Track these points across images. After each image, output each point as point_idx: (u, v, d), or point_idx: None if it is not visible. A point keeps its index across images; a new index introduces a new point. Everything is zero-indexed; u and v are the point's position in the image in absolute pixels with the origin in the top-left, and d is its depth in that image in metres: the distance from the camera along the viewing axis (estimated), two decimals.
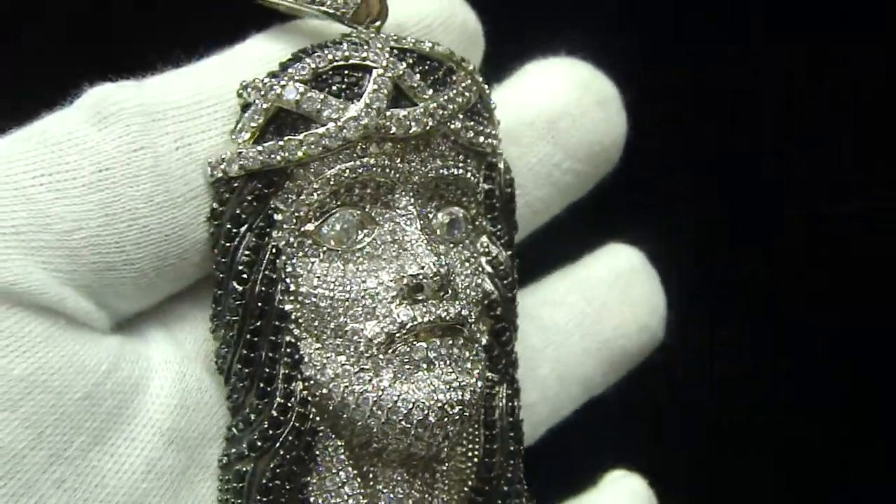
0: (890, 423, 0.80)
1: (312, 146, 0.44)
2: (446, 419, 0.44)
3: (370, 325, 0.44)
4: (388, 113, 0.44)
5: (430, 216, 0.46)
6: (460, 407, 0.44)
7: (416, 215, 0.45)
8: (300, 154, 0.44)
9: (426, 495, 0.46)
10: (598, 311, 0.56)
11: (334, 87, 0.45)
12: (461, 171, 0.47)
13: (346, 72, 0.45)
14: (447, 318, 0.44)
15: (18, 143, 0.44)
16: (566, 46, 0.56)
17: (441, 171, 0.46)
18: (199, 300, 0.47)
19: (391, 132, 0.44)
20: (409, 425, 0.44)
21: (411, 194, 0.45)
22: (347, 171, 0.44)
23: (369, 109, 0.44)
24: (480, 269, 0.48)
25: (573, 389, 0.56)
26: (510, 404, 0.48)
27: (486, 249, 0.48)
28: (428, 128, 0.45)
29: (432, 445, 0.44)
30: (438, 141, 0.46)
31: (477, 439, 0.47)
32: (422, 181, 0.46)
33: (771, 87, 0.80)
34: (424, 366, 0.44)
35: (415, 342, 0.44)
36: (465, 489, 0.47)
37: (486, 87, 0.49)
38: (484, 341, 0.48)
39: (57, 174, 0.43)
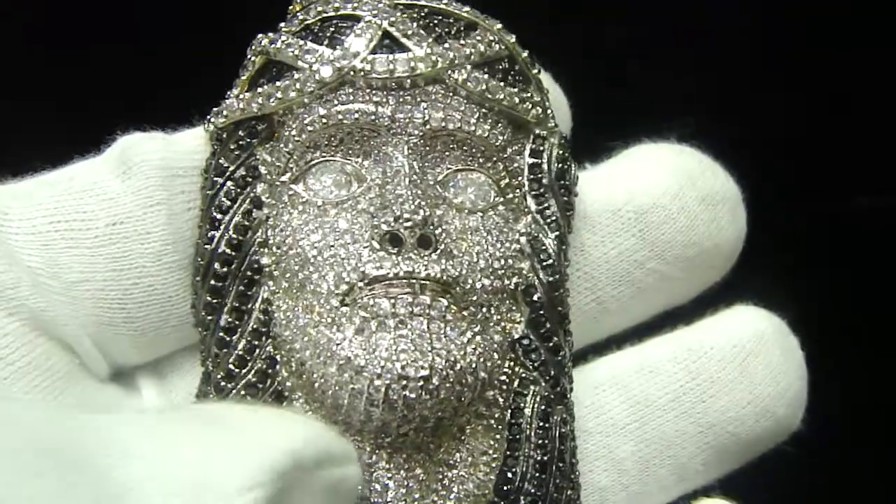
0: None
1: (287, 90, 0.43)
2: (406, 386, 0.40)
3: (331, 274, 0.42)
4: (369, 57, 0.43)
5: (432, 173, 0.44)
6: (425, 373, 0.40)
7: (408, 169, 0.42)
8: (276, 99, 0.44)
9: (432, 497, 0.42)
10: (704, 387, 0.48)
11: (320, 36, 0.44)
12: (473, 128, 0.44)
13: (335, 22, 0.45)
14: (426, 274, 0.41)
15: (45, 186, 0.44)
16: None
17: (444, 123, 0.43)
18: (196, 350, 0.46)
19: (371, 75, 0.43)
20: (360, 386, 0.40)
21: (406, 147, 0.43)
22: (327, 117, 0.43)
23: (346, 52, 0.43)
24: (517, 246, 0.44)
25: (662, 475, 0.48)
26: (543, 409, 0.43)
27: (528, 230, 0.45)
28: (417, 73, 0.43)
29: (393, 416, 0.40)
30: (441, 93, 0.44)
31: (498, 445, 0.43)
32: (420, 133, 0.43)
33: None
34: (391, 324, 0.40)
35: (382, 297, 0.41)
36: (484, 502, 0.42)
37: (522, 51, 0.46)
38: (518, 331, 0.44)
39: (73, 222, 0.42)
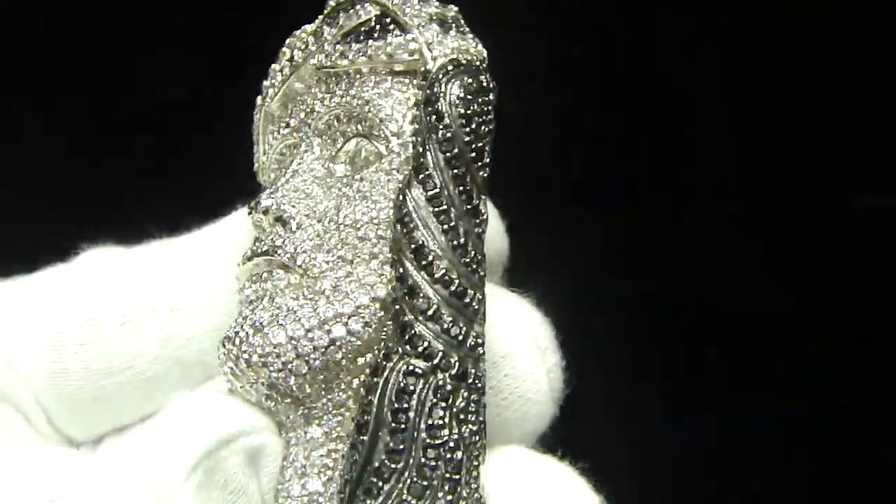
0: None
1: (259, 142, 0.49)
2: (237, 354, 0.41)
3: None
4: (275, 84, 0.47)
5: (331, 155, 0.45)
6: (236, 350, 0.41)
7: (295, 165, 0.45)
8: (256, 155, 0.48)
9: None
10: None
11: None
12: (351, 98, 0.44)
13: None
14: (263, 250, 0.43)
15: (9, 288, 0.47)
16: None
17: (331, 109, 0.45)
18: None
19: (275, 98, 0.47)
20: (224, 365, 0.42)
21: (312, 144, 0.45)
22: (273, 148, 0.47)
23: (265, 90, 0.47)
24: (386, 203, 0.42)
25: None
26: (399, 376, 0.40)
27: (400, 185, 0.42)
28: (286, 79, 0.46)
29: (241, 392, 0.42)
30: (328, 82, 0.45)
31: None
32: (320, 126, 0.45)
33: None
34: (245, 303, 0.43)
35: (252, 283, 0.43)
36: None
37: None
38: (385, 290, 0.41)
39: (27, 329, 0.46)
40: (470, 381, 0.40)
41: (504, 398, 0.43)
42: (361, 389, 0.40)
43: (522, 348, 0.43)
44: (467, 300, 0.41)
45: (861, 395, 0.80)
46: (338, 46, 0.44)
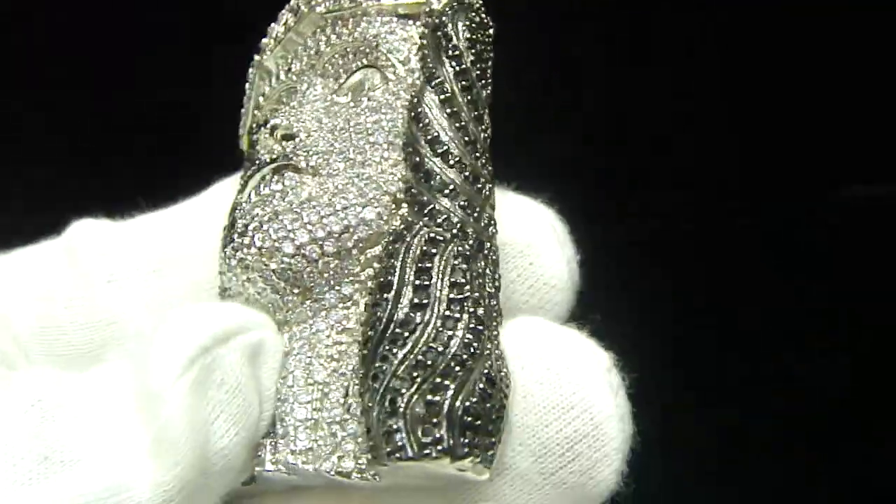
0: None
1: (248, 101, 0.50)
2: (247, 247, 0.43)
3: None
4: (275, 36, 0.48)
5: (332, 88, 0.46)
6: (248, 241, 0.43)
7: (309, 99, 0.46)
8: (244, 114, 0.49)
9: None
10: None
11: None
12: (352, 37, 0.46)
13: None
14: (272, 157, 0.45)
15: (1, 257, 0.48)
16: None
17: (334, 48, 0.47)
18: None
19: (274, 49, 0.48)
20: (230, 259, 0.44)
21: (315, 83, 0.46)
22: (268, 99, 0.48)
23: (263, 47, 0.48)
24: (399, 114, 0.45)
25: None
26: (422, 242, 0.41)
27: (410, 95, 0.45)
28: (289, 27, 0.47)
29: (244, 288, 0.43)
30: (321, 25, 0.47)
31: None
32: (323, 65, 0.46)
33: None
34: (242, 206, 0.44)
35: (246, 187, 0.45)
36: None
37: None
38: (400, 183, 0.43)
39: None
40: (486, 251, 0.42)
41: (530, 286, 0.45)
42: (369, 282, 0.41)
43: (544, 239, 0.46)
44: (479, 186, 0.43)
45: (860, 390, 0.80)
46: None
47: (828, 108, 0.78)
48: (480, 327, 0.40)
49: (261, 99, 0.49)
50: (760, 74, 0.80)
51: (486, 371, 0.38)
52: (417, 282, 0.40)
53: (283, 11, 0.49)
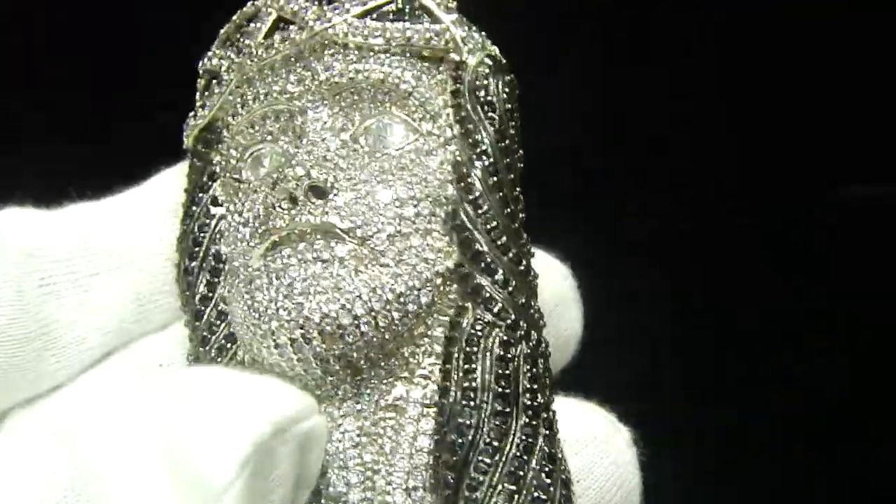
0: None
1: (213, 98, 0.47)
2: (290, 328, 0.41)
3: (246, 243, 0.44)
4: (261, 42, 0.46)
5: (344, 126, 0.45)
6: (303, 321, 0.41)
7: (307, 130, 0.44)
8: (209, 108, 0.47)
9: (385, 444, 0.42)
10: None
11: (235, 42, 0.47)
12: (367, 74, 0.44)
13: (246, 24, 0.47)
14: (315, 223, 0.42)
15: None
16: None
17: (338, 79, 0.44)
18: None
19: (264, 61, 0.45)
20: (261, 333, 0.42)
21: (311, 112, 0.45)
22: (246, 112, 0.46)
23: (241, 47, 0.46)
24: (440, 176, 0.44)
25: None
26: (480, 333, 0.42)
27: (453, 156, 0.44)
28: (298, 44, 0.45)
29: (290, 365, 0.42)
30: (332, 52, 0.45)
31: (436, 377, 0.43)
32: (323, 95, 0.45)
33: None
34: (284, 275, 0.42)
35: (279, 252, 0.43)
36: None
37: None
38: (450, 262, 0.43)
39: None
40: (542, 349, 0.44)
41: (555, 339, 0.46)
42: (412, 359, 0.43)
43: (569, 298, 0.49)
44: (522, 268, 0.44)
45: (859, 390, 0.80)
46: (357, 23, 0.45)
47: (826, 108, 0.78)
48: (553, 432, 0.43)
49: (240, 108, 0.46)
50: (759, 75, 0.80)
51: (563, 477, 0.42)
52: (499, 388, 0.42)
53: (257, 8, 0.47)
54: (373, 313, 0.42)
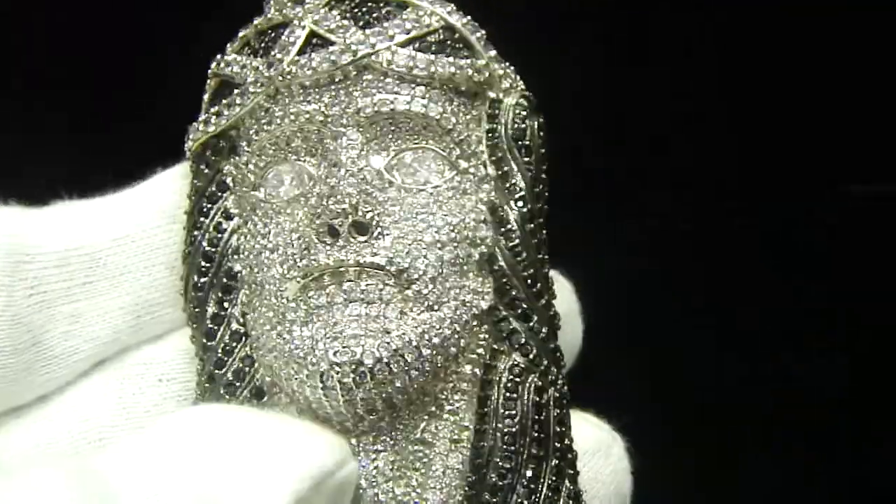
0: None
1: (232, 107, 0.45)
2: (340, 371, 0.41)
3: (278, 273, 0.43)
4: (296, 59, 0.44)
5: (378, 158, 0.44)
6: (354, 357, 0.41)
7: (344, 159, 0.43)
8: (225, 116, 0.45)
9: (414, 477, 0.43)
10: None
11: (257, 49, 0.46)
12: (408, 106, 0.44)
13: (269, 32, 0.46)
14: (357, 260, 0.42)
15: None
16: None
17: (376, 108, 0.44)
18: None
19: (298, 78, 0.44)
20: (303, 377, 0.42)
21: (345, 138, 0.44)
22: (269, 125, 0.45)
23: (272, 60, 0.44)
24: (475, 216, 0.44)
25: None
26: (513, 379, 0.43)
27: (489, 197, 0.45)
28: (339, 65, 0.44)
29: (337, 402, 0.42)
30: (372, 78, 0.44)
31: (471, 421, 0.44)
32: (356, 122, 0.44)
33: None
34: (326, 314, 0.42)
35: (320, 289, 0.42)
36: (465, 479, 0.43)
37: (461, 18, 0.46)
38: (487, 301, 0.44)
39: None
40: (565, 393, 0.45)
41: (566, 352, 0.47)
42: (442, 393, 0.43)
43: (573, 311, 0.51)
44: (552, 313, 0.45)
45: (859, 390, 0.80)
46: (402, 51, 0.44)
47: (826, 107, 0.78)
48: (576, 472, 0.44)
49: (265, 123, 0.45)
50: (758, 74, 0.79)
51: None
52: (535, 434, 0.43)
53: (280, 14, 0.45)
54: (422, 359, 0.42)
